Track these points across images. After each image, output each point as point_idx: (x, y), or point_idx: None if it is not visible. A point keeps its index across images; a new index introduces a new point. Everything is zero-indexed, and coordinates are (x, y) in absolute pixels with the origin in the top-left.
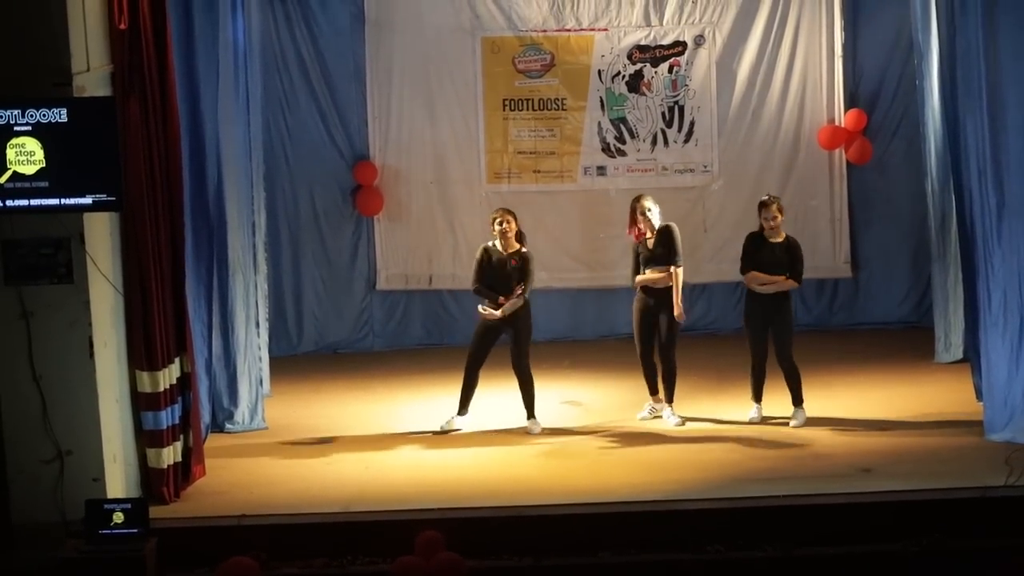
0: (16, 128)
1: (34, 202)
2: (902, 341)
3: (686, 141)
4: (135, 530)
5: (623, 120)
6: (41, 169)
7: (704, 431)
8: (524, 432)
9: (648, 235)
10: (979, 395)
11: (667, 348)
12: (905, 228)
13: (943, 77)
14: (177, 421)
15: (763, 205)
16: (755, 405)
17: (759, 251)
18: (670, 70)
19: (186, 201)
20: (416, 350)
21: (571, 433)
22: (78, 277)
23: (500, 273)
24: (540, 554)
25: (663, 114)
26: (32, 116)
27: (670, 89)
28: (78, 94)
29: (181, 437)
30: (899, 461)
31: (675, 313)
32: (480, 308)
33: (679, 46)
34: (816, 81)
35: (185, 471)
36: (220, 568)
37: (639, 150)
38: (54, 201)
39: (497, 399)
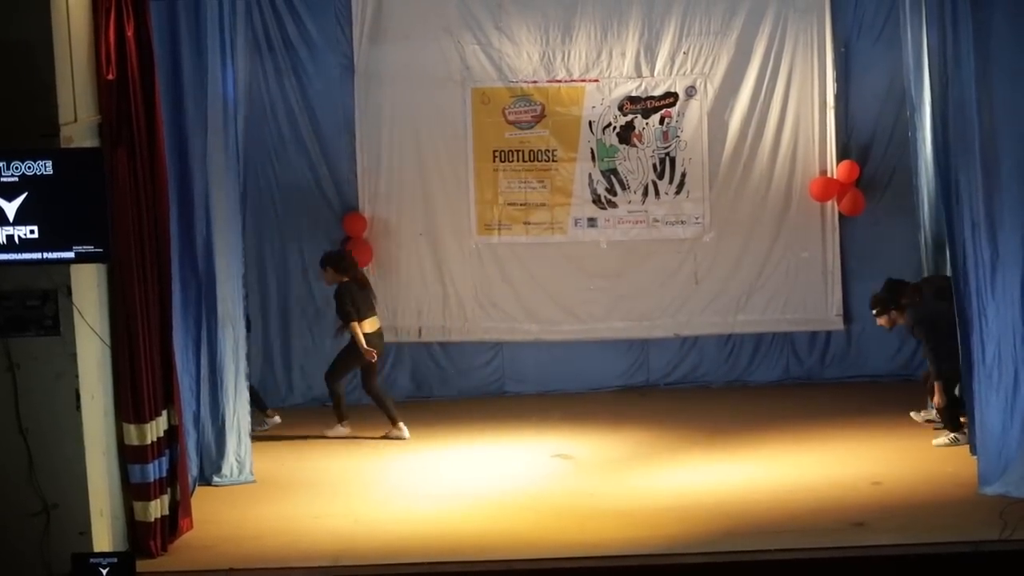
0: (2, 180)
1: (17, 255)
2: (895, 394)
3: (677, 192)
4: None
5: (614, 171)
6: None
7: (696, 484)
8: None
9: None
10: (972, 449)
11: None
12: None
13: (936, 129)
14: (164, 474)
15: None
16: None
17: None
18: (661, 121)
19: (174, 253)
20: (405, 403)
21: (562, 487)
22: (65, 329)
23: None
24: None
25: (654, 165)
26: (18, 168)
27: (661, 140)
28: (65, 145)
29: (168, 490)
30: (891, 515)
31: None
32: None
33: (670, 97)
34: (808, 132)
35: (172, 524)
36: None
37: (630, 201)
38: (37, 255)
39: (486, 455)
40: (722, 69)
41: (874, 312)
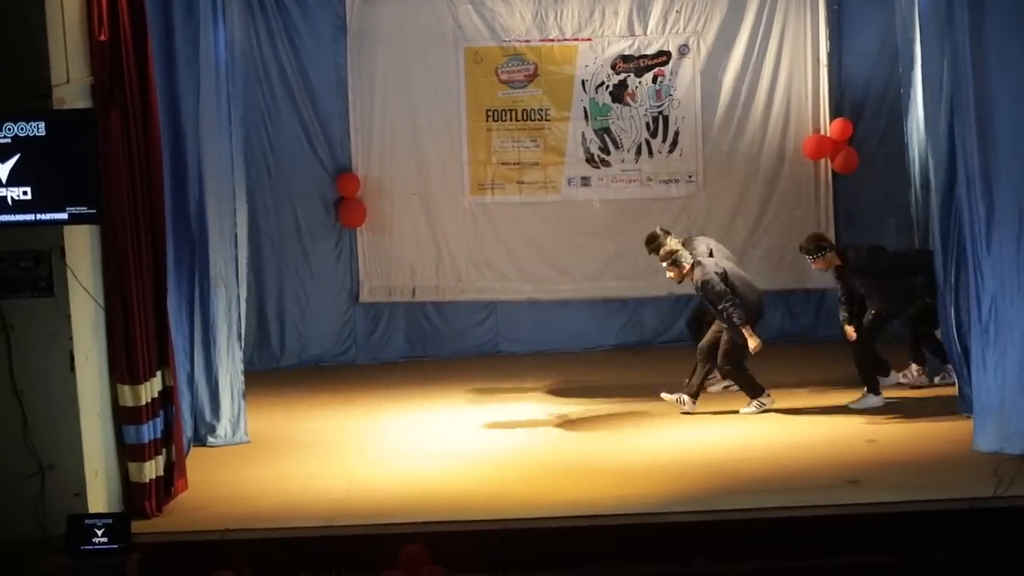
0: None
1: (10, 217)
2: (888, 352)
3: (671, 151)
4: (117, 545)
5: (607, 130)
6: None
7: (691, 442)
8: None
9: None
10: (967, 406)
11: None
12: (892, 238)
13: (929, 85)
14: (159, 435)
15: None
16: None
17: None
18: (654, 80)
19: (167, 214)
20: (399, 363)
21: (556, 446)
22: (59, 290)
23: None
24: (525, 568)
25: (647, 124)
26: (10, 129)
27: (654, 99)
28: (58, 106)
29: (163, 451)
30: (886, 472)
31: None
32: None
33: (663, 56)
34: (801, 90)
35: (167, 485)
36: None
37: (623, 160)
38: (30, 216)
39: (481, 415)
40: (715, 27)
41: (664, 264)
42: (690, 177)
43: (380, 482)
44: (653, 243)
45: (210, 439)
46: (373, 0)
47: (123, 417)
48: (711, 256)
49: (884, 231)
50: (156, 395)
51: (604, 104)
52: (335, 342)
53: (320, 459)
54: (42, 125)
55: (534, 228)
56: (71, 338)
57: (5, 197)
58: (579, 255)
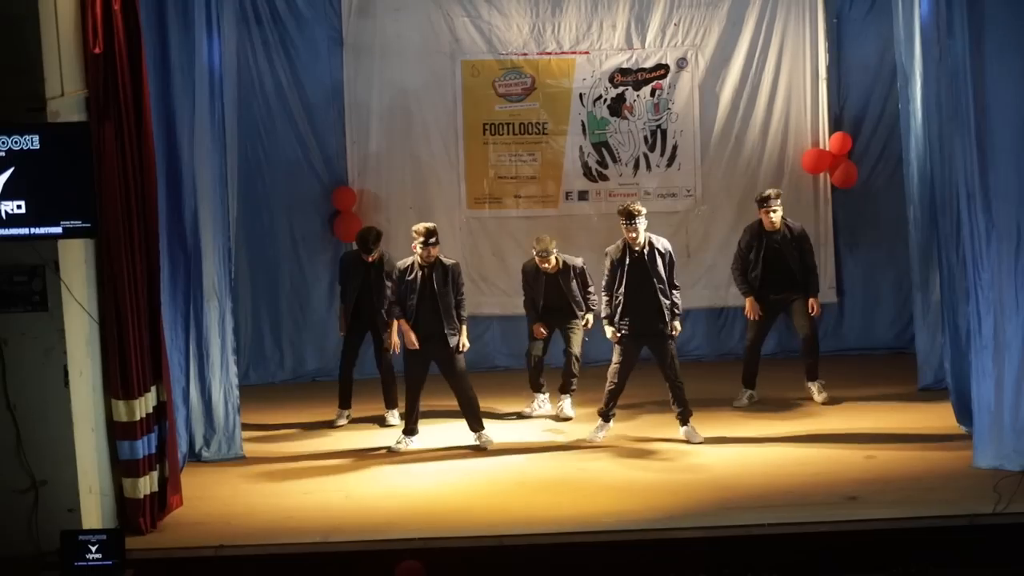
0: None
1: (4, 231)
2: (887, 367)
3: (669, 165)
4: (111, 562)
5: (605, 144)
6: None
7: (689, 458)
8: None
9: None
10: (967, 422)
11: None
12: (891, 252)
13: (929, 99)
14: (153, 450)
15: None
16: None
17: None
18: (652, 93)
19: (162, 227)
20: (396, 377)
21: (554, 461)
22: (53, 305)
23: None
24: None
25: (645, 138)
26: (4, 143)
27: (652, 113)
28: (52, 119)
29: (157, 467)
30: (885, 489)
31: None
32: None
33: (661, 69)
34: (800, 104)
35: (162, 501)
36: None
37: (621, 174)
38: (24, 230)
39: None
40: (713, 40)
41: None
42: (688, 191)
43: (377, 497)
44: (379, 239)
45: (205, 454)
46: (369, 12)
47: (117, 432)
48: None
49: (882, 245)
50: (150, 410)
51: (602, 118)
52: (331, 357)
53: (316, 474)
54: (36, 138)
55: (532, 242)
56: (65, 353)
57: None
58: None
